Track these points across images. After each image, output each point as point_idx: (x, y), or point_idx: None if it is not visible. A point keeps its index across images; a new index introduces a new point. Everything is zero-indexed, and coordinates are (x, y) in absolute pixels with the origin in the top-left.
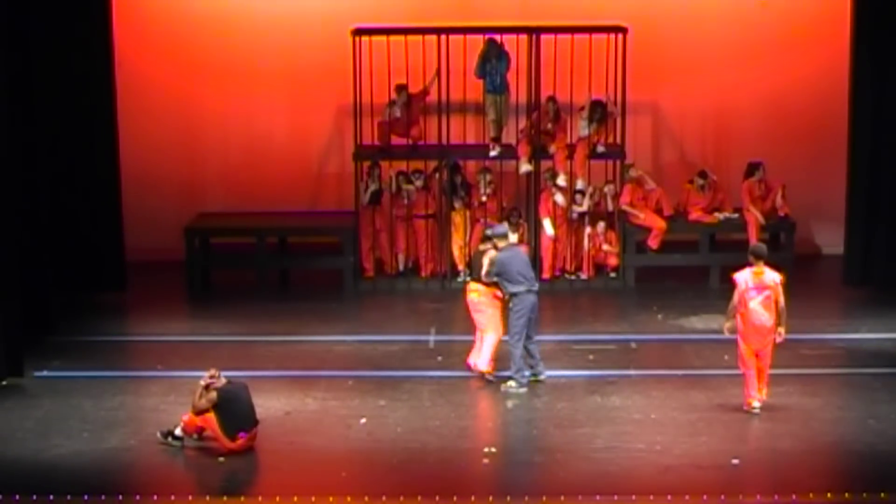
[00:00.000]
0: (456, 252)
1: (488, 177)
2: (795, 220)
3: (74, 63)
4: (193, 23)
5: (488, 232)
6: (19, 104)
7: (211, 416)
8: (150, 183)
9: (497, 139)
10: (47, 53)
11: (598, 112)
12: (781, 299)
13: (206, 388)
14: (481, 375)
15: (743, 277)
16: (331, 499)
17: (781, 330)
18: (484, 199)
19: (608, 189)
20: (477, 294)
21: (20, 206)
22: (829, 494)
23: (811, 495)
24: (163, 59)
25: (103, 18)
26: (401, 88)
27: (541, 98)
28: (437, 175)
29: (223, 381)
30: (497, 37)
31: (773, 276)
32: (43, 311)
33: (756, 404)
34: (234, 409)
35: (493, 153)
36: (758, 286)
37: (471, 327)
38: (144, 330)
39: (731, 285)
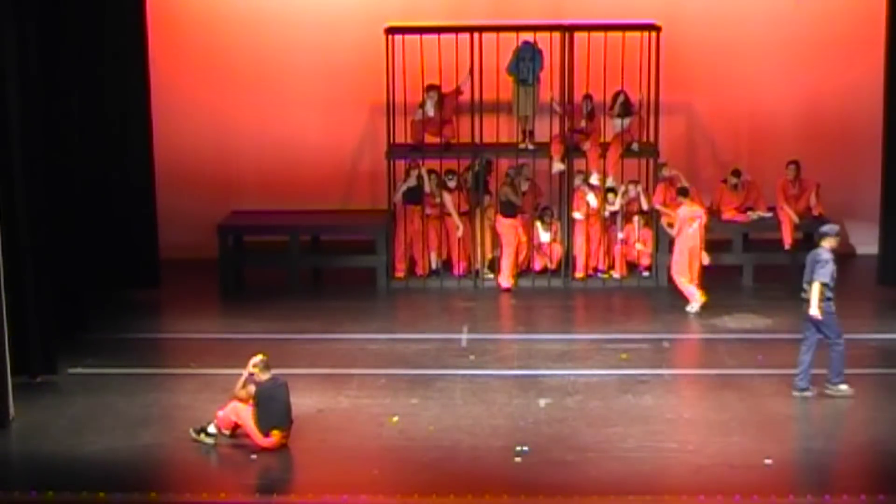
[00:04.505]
0: (488, 250)
1: (526, 171)
2: (830, 219)
3: (110, 63)
4: (227, 23)
5: (824, 229)
6: (55, 106)
7: (247, 410)
8: (184, 181)
9: (530, 133)
10: (83, 55)
11: (620, 105)
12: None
13: (251, 375)
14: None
15: (685, 211)
16: (363, 496)
17: (705, 255)
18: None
19: (632, 188)
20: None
21: (55, 205)
22: (862, 496)
23: (844, 496)
24: (196, 58)
25: (137, 19)
26: (432, 88)
27: (574, 96)
28: (469, 174)
29: (267, 375)
30: (530, 36)
31: (699, 209)
32: (77, 309)
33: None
34: (270, 407)
35: (523, 146)
36: (692, 216)
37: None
38: (178, 327)
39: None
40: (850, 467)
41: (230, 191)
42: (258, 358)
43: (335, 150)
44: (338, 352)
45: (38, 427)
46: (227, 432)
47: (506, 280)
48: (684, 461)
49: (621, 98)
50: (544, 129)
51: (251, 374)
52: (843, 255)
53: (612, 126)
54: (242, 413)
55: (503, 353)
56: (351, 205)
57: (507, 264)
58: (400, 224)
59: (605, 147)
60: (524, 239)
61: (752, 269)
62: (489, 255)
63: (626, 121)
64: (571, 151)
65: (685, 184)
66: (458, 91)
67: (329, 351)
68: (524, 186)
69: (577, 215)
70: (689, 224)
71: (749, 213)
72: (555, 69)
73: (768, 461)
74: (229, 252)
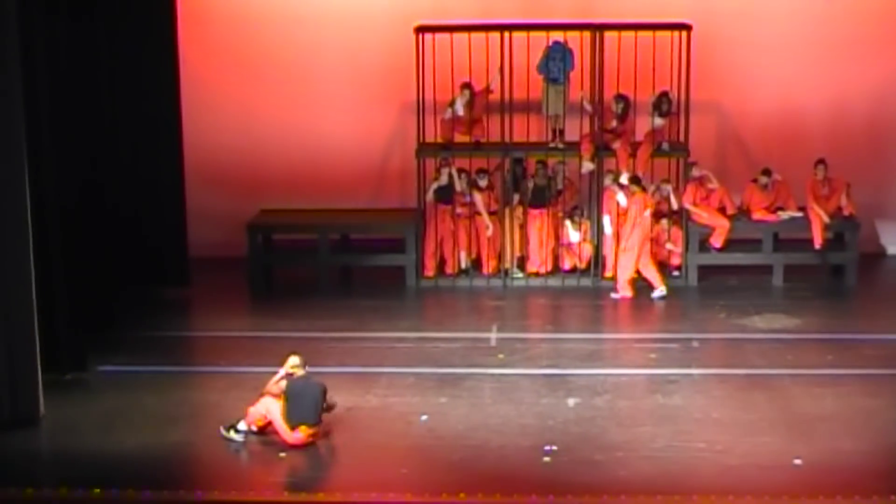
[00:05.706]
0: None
1: (565, 169)
2: (860, 219)
3: (139, 61)
4: (256, 21)
5: None
6: (85, 104)
7: (276, 404)
8: (213, 180)
9: (560, 132)
10: (113, 53)
11: (665, 104)
12: None
13: (288, 374)
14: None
15: (639, 200)
16: (391, 495)
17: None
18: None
19: (662, 188)
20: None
21: (86, 203)
22: (892, 497)
23: (874, 497)
24: (227, 56)
25: (167, 17)
26: (466, 86)
27: (604, 95)
28: (502, 173)
29: (302, 373)
30: (561, 35)
31: (651, 199)
32: (107, 307)
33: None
34: (299, 402)
35: (553, 145)
36: (645, 204)
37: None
38: (207, 326)
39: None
40: (881, 468)
41: (259, 189)
42: (296, 358)
43: (365, 149)
44: (367, 350)
45: (67, 424)
46: (255, 428)
47: (531, 266)
48: (713, 461)
49: (658, 98)
50: (574, 129)
51: (289, 374)
52: (874, 255)
53: (649, 124)
54: (272, 407)
55: (532, 352)
56: (380, 203)
57: (530, 254)
58: (431, 223)
59: (635, 146)
60: (547, 232)
61: (783, 268)
62: (518, 254)
63: (662, 121)
64: (601, 151)
65: (714, 183)
66: (488, 90)
67: (358, 349)
68: (560, 185)
69: (607, 229)
70: (641, 213)
71: (779, 212)
72: (585, 68)
73: (798, 462)
74: (258, 250)
